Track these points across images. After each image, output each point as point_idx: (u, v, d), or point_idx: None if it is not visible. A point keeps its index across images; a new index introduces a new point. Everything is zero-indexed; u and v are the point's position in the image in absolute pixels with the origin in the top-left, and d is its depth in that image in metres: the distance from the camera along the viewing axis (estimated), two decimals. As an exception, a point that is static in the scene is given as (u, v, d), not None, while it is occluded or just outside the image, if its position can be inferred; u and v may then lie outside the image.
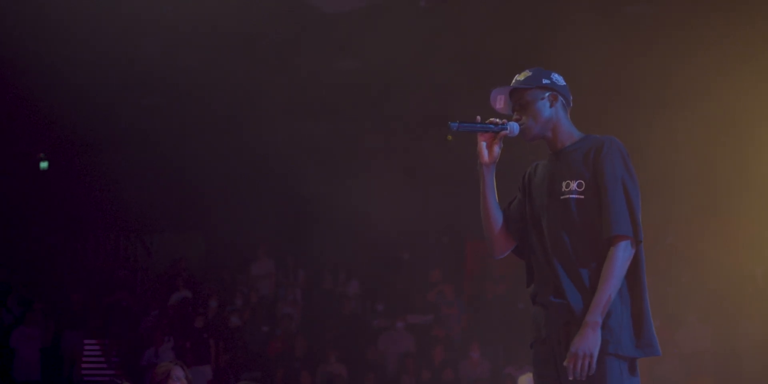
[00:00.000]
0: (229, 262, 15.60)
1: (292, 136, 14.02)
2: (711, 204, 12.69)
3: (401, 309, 13.76)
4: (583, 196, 3.79)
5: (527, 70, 4.00)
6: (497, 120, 3.91)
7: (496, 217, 3.96)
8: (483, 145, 3.93)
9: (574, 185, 3.81)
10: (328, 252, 14.94)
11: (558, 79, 3.98)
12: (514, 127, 3.90)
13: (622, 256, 3.68)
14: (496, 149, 3.92)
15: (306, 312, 14.26)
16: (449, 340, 13.16)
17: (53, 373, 13.60)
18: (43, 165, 16.70)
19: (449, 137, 15.07)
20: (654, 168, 11.27)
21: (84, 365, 13.91)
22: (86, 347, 14.04)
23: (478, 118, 3.92)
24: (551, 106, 3.92)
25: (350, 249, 14.41)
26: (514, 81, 3.98)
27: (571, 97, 4.01)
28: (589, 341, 3.59)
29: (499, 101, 3.97)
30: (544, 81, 3.93)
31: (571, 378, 3.59)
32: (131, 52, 12.46)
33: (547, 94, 3.92)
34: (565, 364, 3.62)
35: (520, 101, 3.93)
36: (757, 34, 10.87)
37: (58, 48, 11.91)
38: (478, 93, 4.35)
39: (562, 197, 3.83)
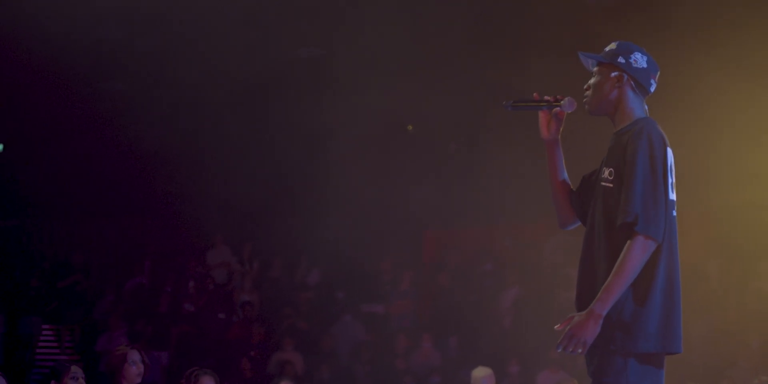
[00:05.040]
0: (187, 249, 15.56)
1: (254, 121, 14.02)
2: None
3: (357, 298, 13.82)
4: (611, 185, 3.73)
5: (615, 43, 3.93)
6: (549, 98, 3.95)
7: (558, 191, 3.98)
8: (542, 120, 3.98)
9: (607, 172, 3.76)
10: (287, 240, 14.94)
11: (638, 59, 3.86)
12: (567, 105, 3.94)
13: (634, 248, 3.56)
14: (554, 125, 3.95)
15: (264, 300, 14.28)
16: (402, 329, 13.24)
17: (7, 358, 13.53)
18: (-2, 148, 16.54)
19: (409, 127, 15.15)
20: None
21: (39, 350, 13.86)
22: (43, 332, 13.99)
23: (535, 95, 3.98)
24: (614, 88, 3.85)
25: (311, 237, 14.40)
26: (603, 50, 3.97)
27: (653, 82, 3.90)
28: (588, 331, 3.54)
29: (589, 64, 3.96)
30: (619, 59, 3.85)
31: (559, 350, 3.58)
32: (91, 36, 12.39)
33: (613, 74, 3.86)
34: (559, 349, 3.59)
35: (594, 72, 3.93)
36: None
37: (15, 31, 11.83)
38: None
39: (599, 184, 3.80)
